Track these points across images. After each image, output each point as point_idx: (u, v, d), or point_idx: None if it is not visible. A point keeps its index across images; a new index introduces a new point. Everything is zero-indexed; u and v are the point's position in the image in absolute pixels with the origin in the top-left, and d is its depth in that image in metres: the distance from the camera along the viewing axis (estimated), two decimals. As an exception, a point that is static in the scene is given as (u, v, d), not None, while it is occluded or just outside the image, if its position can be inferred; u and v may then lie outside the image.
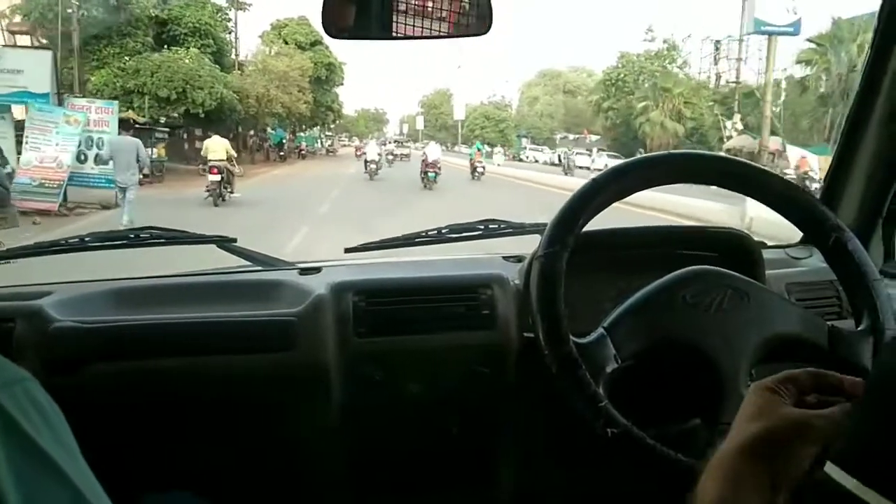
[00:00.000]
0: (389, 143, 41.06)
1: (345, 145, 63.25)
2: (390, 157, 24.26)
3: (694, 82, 35.49)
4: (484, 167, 18.28)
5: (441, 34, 1.19)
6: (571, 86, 59.09)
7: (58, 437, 0.44)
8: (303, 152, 37.20)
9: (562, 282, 0.89)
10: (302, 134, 47.45)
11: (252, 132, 30.50)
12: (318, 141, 49.94)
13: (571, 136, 52.44)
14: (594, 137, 46.90)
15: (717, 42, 33.92)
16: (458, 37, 1.20)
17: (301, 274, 1.41)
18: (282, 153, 31.06)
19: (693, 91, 32.72)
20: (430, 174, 15.56)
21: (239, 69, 28.16)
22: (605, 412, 0.83)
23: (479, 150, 21.78)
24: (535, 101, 55.72)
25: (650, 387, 0.95)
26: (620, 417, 0.82)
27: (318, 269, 1.42)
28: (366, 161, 18.08)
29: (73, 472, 0.42)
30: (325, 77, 37.03)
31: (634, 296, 0.91)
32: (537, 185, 16.49)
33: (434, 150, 16.15)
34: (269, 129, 33.50)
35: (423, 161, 15.89)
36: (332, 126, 44.99)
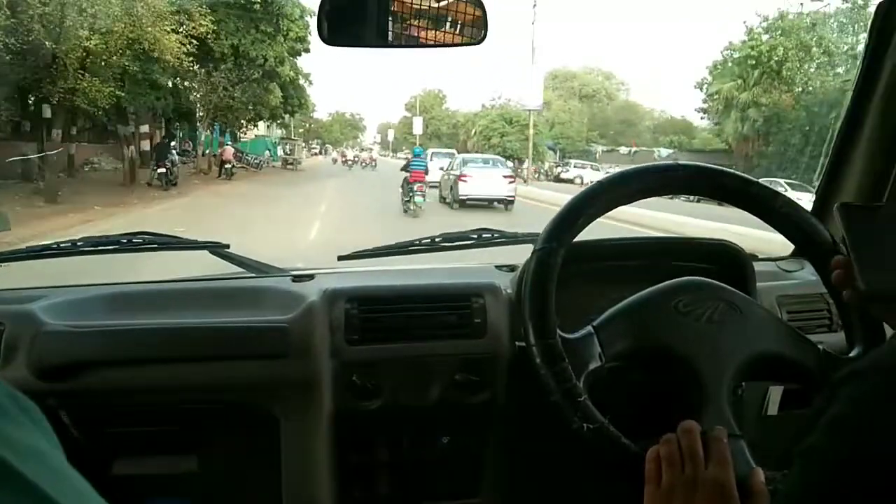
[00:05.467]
0: (364, 150, 48.31)
1: (315, 153, 54.59)
2: (357, 158, 39.23)
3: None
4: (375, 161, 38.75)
5: (437, 43, 1.18)
6: (589, 89, 48.43)
7: (22, 443, 0.39)
8: (227, 166, 20.31)
9: (555, 277, 0.93)
10: (245, 138, 29.96)
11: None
12: (274, 149, 32.73)
13: (623, 150, 36.69)
14: (666, 152, 18.45)
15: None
16: (454, 45, 1.19)
17: (294, 281, 1.45)
18: (162, 169, 15.49)
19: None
20: (369, 165, 36.56)
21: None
22: (582, 407, 0.88)
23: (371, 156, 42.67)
24: (547, 107, 42.78)
25: (631, 392, 1.02)
26: (598, 414, 0.88)
27: (310, 276, 1.46)
28: (346, 160, 37.88)
29: (58, 491, 0.38)
30: (262, 5, 9.86)
31: (627, 299, 0.98)
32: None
33: (374, 154, 42.46)
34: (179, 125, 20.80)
35: (367, 159, 37.69)
36: (284, 119, 17.77)
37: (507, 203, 15.70)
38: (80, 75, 13.13)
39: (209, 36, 14.87)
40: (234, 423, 1.37)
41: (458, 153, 23.09)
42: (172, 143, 19.84)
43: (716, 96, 26.67)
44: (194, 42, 14.65)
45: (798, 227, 1.00)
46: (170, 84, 15.33)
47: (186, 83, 17.43)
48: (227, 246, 1.52)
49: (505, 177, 16.12)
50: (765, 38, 24.36)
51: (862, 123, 1.42)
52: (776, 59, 23.65)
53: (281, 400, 1.32)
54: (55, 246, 1.43)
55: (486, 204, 15.49)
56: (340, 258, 1.54)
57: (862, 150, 1.42)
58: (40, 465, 0.39)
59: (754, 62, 24.25)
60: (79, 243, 1.43)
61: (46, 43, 11.97)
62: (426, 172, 14.55)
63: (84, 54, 12.94)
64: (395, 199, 14.20)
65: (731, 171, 1.08)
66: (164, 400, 1.29)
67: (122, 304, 1.34)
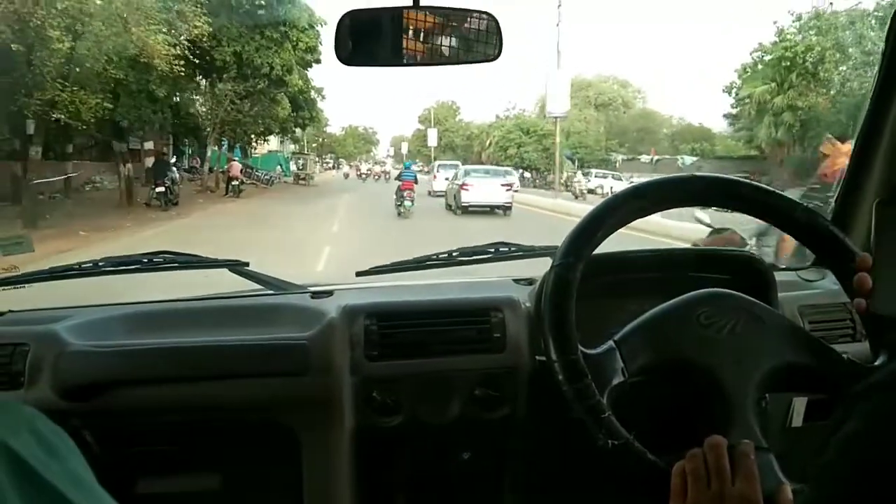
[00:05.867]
0: (377, 164, 50.57)
1: (328, 168, 54.01)
2: (370, 172, 42.53)
3: None
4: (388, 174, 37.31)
5: (452, 60, 1.18)
6: (605, 98, 46.33)
7: (69, 472, 0.46)
8: (235, 182, 19.11)
9: (574, 292, 0.93)
10: (256, 154, 29.96)
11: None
12: (286, 164, 31.44)
13: (644, 158, 35.14)
14: (690, 160, 16.09)
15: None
16: (468, 63, 1.19)
17: (313, 297, 1.47)
18: (160, 188, 14.24)
19: None
20: (381, 178, 37.04)
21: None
22: (606, 423, 0.87)
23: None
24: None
25: (655, 407, 1.01)
26: (622, 430, 0.88)
27: (329, 293, 1.48)
28: (360, 173, 40.78)
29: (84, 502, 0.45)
30: (267, 10, 8.64)
31: (648, 312, 0.98)
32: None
33: (387, 167, 44.42)
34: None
35: (380, 172, 39.57)
36: (295, 134, 16.22)
37: (506, 209, 17.41)
38: (59, 85, 11.51)
39: (206, 40, 13.52)
40: (256, 441, 1.39)
41: (473, 165, 25.17)
42: (174, 160, 18.69)
43: (746, 100, 25.33)
44: (185, 44, 12.90)
45: (818, 236, 0.99)
46: (166, 96, 14.06)
47: (187, 95, 16.33)
48: (247, 264, 1.54)
49: (503, 185, 17.98)
50: (798, 38, 22.99)
51: (881, 130, 1.41)
52: (812, 59, 22.21)
53: (301, 417, 1.33)
54: (77, 266, 1.46)
55: (487, 210, 17.20)
56: (358, 274, 1.55)
57: (881, 157, 1.41)
58: (84, 492, 0.44)
59: (789, 63, 22.91)
60: (100, 263, 1.46)
61: (13, 46, 10.39)
62: (415, 181, 16.73)
63: (63, 61, 11.32)
64: (402, 222, 15.18)
65: (748, 181, 1.08)
66: (185, 418, 1.30)
67: (143, 323, 1.37)
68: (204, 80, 17.78)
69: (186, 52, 12.78)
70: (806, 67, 22.61)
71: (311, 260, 8.89)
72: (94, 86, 12.17)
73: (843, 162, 3.89)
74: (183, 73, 13.96)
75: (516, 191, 24.52)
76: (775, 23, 25.19)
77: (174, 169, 16.00)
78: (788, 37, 23.76)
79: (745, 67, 26.51)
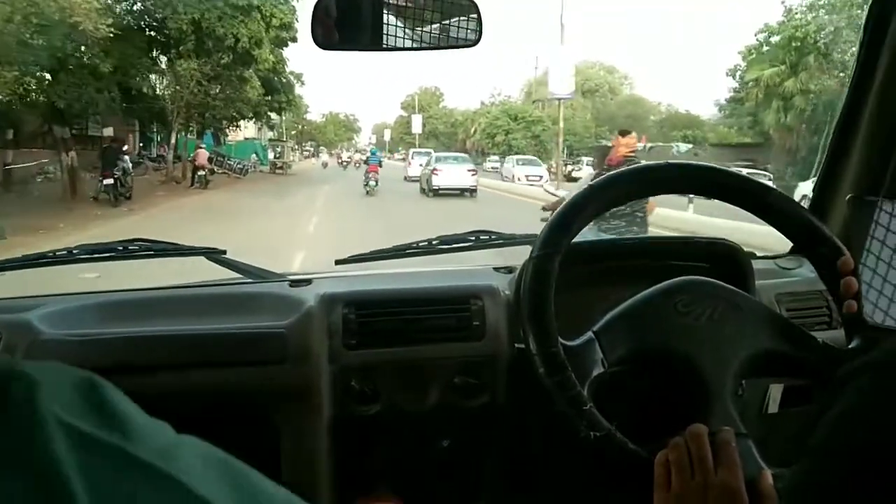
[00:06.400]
0: (358, 152, 51.14)
1: (308, 156, 51.13)
2: (350, 159, 43.84)
3: None
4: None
5: (432, 45, 1.18)
6: (592, 84, 44.23)
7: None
8: (202, 172, 17.18)
9: (553, 283, 0.94)
10: (231, 141, 26.65)
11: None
12: (263, 151, 29.29)
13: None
14: (685, 147, 13.83)
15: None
16: (448, 48, 1.19)
17: (291, 286, 1.48)
18: (109, 179, 12.24)
19: None
20: (360, 165, 31.09)
21: None
22: (588, 415, 0.89)
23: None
24: (548, 103, 38.22)
25: (636, 396, 1.04)
26: (604, 421, 0.90)
27: (308, 281, 1.49)
28: (342, 161, 42.62)
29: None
30: None
31: (626, 301, 1.00)
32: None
33: (356, 155, 46.98)
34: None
35: (359, 160, 36.58)
36: (270, 118, 13.63)
37: (471, 192, 19.41)
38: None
39: (153, 4, 11.54)
40: (233, 430, 1.35)
41: (458, 153, 26.87)
42: (140, 148, 16.89)
43: (752, 84, 23.93)
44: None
45: (794, 224, 1.00)
46: (112, 72, 12.06)
47: (141, 72, 14.46)
48: (224, 252, 1.55)
49: (469, 170, 20.01)
50: (809, 17, 21.71)
51: (860, 117, 1.44)
52: (824, 40, 20.91)
53: (279, 406, 1.36)
54: (51, 254, 1.46)
55: (457, 193, 19.05)
56: (338, 262, 1.56)
57: (859, 145, 1.44)
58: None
59: (799, 44, 21.59)
60: (74, 251, 1.47)
61: None
62: (380, 165, 19.72)
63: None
64: (381, 203, 16.38)
65: (722, 167, 1.09)
66: (161, 407, 1.20)
67: (118, 311, 1.38)
68: (163, 56, 16.50)
69: (131, 18, 10.83)
70: (818, 48, 21.35)
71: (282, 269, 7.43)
72: (10, 56, 10.46)
73: (623, 151, 4.45)
74: (116, 36, 11.98)
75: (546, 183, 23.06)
76: (783, 2, 23.87)
77: (126, 157, 14.06)
78: (797, 16, 22.47)
79: (749, 49, 25.22)
